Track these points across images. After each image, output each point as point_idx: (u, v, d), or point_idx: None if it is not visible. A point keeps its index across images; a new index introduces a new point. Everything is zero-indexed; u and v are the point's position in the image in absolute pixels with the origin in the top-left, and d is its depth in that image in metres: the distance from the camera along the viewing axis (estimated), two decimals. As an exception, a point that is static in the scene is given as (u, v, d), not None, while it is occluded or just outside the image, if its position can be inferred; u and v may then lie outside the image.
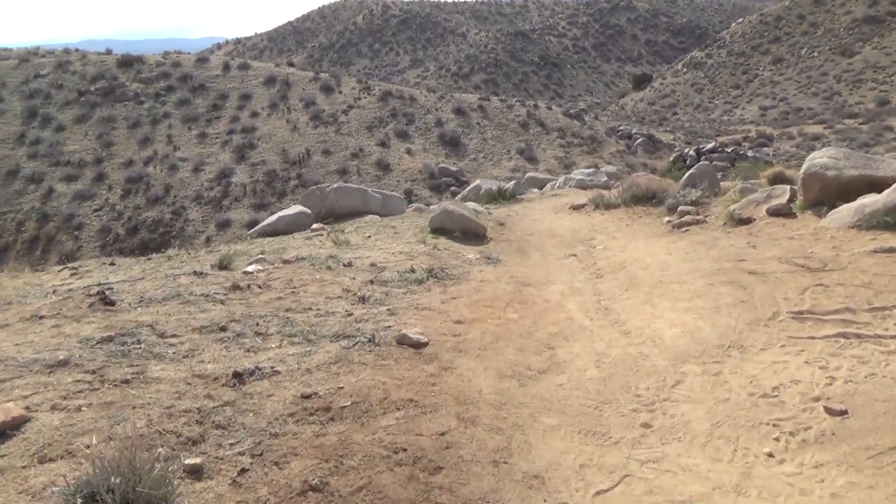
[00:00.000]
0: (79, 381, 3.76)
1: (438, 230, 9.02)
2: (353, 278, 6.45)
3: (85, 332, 4.62)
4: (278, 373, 3.98)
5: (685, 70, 79.41)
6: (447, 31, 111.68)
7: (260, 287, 6.01)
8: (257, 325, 4.92)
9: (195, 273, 6.54)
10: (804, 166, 7.31)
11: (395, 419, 3.50)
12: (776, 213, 7.30)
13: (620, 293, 5.96)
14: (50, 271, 9.26)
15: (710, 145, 29.56)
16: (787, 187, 7.88)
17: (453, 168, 32.01)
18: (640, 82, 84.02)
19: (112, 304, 5.22)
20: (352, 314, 5.25)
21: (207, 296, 5.60)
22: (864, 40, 64.65)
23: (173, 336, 4.62)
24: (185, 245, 21.83)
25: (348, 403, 3.61)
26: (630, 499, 3.00)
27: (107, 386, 3.71)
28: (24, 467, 2.89)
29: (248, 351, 4.40)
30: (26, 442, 3.10)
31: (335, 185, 13.82)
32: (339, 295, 5.85)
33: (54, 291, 6.58)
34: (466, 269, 7.16)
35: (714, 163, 22.75)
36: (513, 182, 15.34)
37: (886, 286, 4.78)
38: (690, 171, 10.04)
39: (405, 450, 3.20)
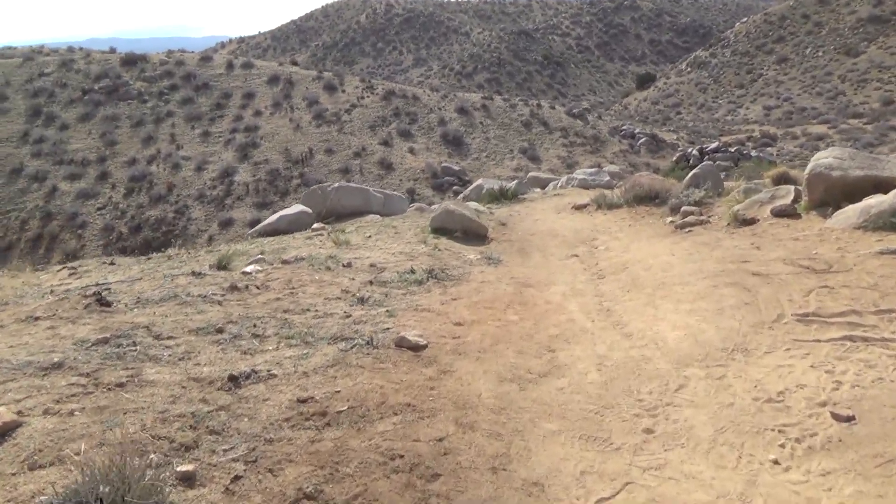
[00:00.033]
0: (72, 384, 3.71)
1: (439, 230, 8.96)
2: (353, 279, 6.40)
3: (80, 333, 4.56)
4: (274, 376, 3.92)
5: (689, 69, 79.24)
6: (450, 30, 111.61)
7: (258, 288, 5.95)
8: (254, 326, 4.87)
9: (193, 273, 6.48)
10: (809, 166, 7.23)
11: (393, 424, 3.44)
12: (780, 213, 7.22)
13: (622, 294, 5.89)
14: (49, 271, 9.22)
15: (713, 145, 29.49)
16: (792, 188, 7.80)
17: (456, 167, 31.96)
18: (644, 82, 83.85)
19: (108, 304, 5.17)
20: (350, 316, 5.19)
21: (205, 297, 5.54)
22: (869, 40, 64.45)
23: (169, 338, 4.56)
24: (187, 244, 21.84)
25: (345, 408, 3.55)
26: (632, 507, 2.93)
27: (101, 389, 3.66)
28: (13, 474, 2.83)
29: (245, 353, 4.34)
30: (17, 448, 3.04)
31: (336, 185, 13.76)
32: (338, 296, 5.79)
33: (52, 292, 6.53)
34: (467, 269, 7.09)
35: (717, 163, 22.68)
36: (515, 182, 15.27)
37: (893, 288, 4.70)
38: (694, 171, 9.96)
39: (402, 456, 3.14)
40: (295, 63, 50.25)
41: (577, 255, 7.65)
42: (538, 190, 14.91)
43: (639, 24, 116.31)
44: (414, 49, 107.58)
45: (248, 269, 6.77)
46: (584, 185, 14.01)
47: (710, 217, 7.97)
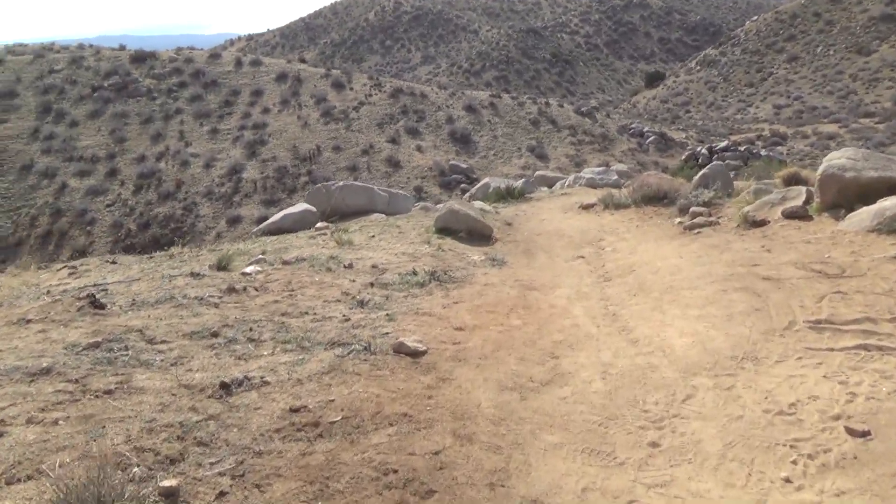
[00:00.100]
0: (60, 391, 3.60)
1: (444, 230, 8.83)
2: (353, 281, 6.27)
3: (71, 337, 4.46)
4: (268, 383, 3.80)
5: (699, 68, 78.69)
6: (459, 27, 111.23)
7: (257, 289, 5.84)
8: (250, 330, 4.75)
9: (192, 274, 6.37)
10: (821, 167, 7.05)
11: (388, 436, 3.31)
12: (792, 215, 7.05)
13: (629, 298, 5.74)
14: (50, 269, 9.15)
15: (722, 144, 29.18)
16: (803, 189, 7.62)
17: (464, 165, 31.79)
18: (653, 80, 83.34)
19: (102, 307, 5.06)
20: (349, 319, 5.07)
21: (201, 299, 5.43)
22: (881, 38, 63.75)
23: (162, 342, 4.45)
24: (195, 241, 21.81)
25: (338, 418, 3.43)
26: (635, 527, 2.80)
27: (88, 397, 3.55)
28: (-11, 488, 2.73)
29: (239, 359, 4.22)
30: (-4, 459, 2.93)
31: (340, 184, 13.65)
32: (338, 298, 5.67)
33: (48, 292, 6.43)
34: (470, 271, 6.96)
35: (727, 161, 22.43)
36: (522, 180, 15.12)
37: (909, 295, 4.53)
38: (703, 171, 9.79)
39: (396, 471, 3.01)
40: (303, 60, 50.16)
41: (583, 257, 7.50)
42: (545, 189, 14.76)
43: (648, 22, 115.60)
44: (422, 47, 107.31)
45: (248, 269, 6.66)
46: (592, 185, 13.85)
47: (719, 218, 7.80)
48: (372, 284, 6.16)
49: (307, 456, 3.08)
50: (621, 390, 3.99)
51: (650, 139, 38.86)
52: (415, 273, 6.53)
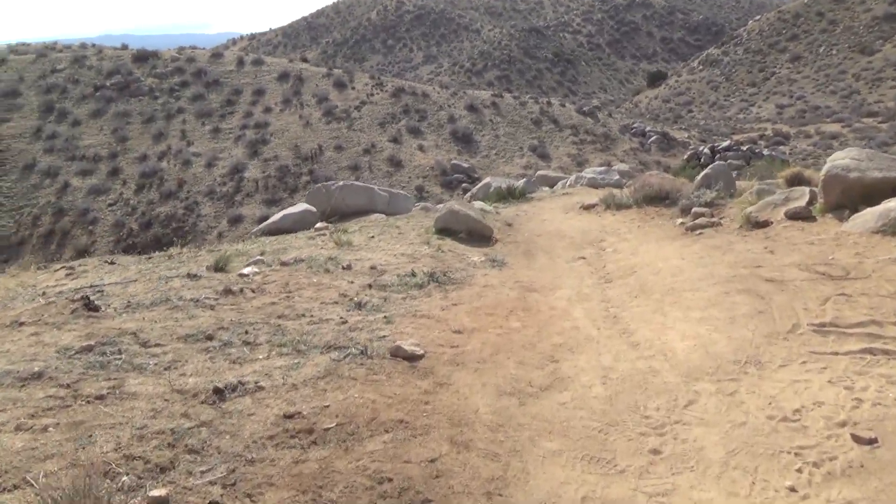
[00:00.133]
0: (50, 396, 3.54)
1: (444, 231, 8.76)
2: (352, 282, 6.21)
3: (64, 340, 4.40)
4: (262, 388, 3.74)
5: (701, 67, 78.49)
6: (461, 27, 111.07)
7: (253, 291, 5.77)
8: (246, 333, 4.69)
9: (189, 276, 6.31)
10: (825, 167, 6.97)
11: (383, 443, 3.24)
12: (795, 216, 6.96)
13: (630, 300, 5.67)
14: (48, 270, 9.08)
15: (725, 143, 29.09)
16: (807, 189, 7.53)
17: (465, 165, 31.73)
18: (655, 80, 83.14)
19: (96, 309, 5.00)
20: (346, 322, 5.00)
21: (197, 301, 5.37)
22: (884, 38, 63.53)
23: (157, 345, 4.39)
24: (196, 240, 21.76)
25: (333, 425, 3.36)
26: (635, 537, 2.73)
27: (79, 402, 3.49)
28: (-26, 498, 2.66)
29: (234, 363, 4.16)
30: (-18, 468, 2.87)
31: (340, 183, 13.57)
32: (335, 300, 5.60)
33: (43, 294, 6.37)
34: (470, 272, 6.89)
35: (729, 161, 22.33)
36: (523, 180, 15.05)
37: (915, 298, 4.46)
38: (705, 171, 9.70)
39: (391, 480, 2.94)
40: (305, 60, 50.08)
41: (584, 258, 7.43)
42: (547, 188, 14.69)
43: (650, 21, 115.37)
44: (424, 46, 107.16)
45: (246, 270, 6.60)
46: (594, 184, 13.76)
47: (721, 219, 7.72)
48: (370, 286, 6.09)
49: (300, 464, 3.02)
50: (622, 395, 3.92)
51: (652, 139, 38.76)
52: (413, 274, 6.46)
